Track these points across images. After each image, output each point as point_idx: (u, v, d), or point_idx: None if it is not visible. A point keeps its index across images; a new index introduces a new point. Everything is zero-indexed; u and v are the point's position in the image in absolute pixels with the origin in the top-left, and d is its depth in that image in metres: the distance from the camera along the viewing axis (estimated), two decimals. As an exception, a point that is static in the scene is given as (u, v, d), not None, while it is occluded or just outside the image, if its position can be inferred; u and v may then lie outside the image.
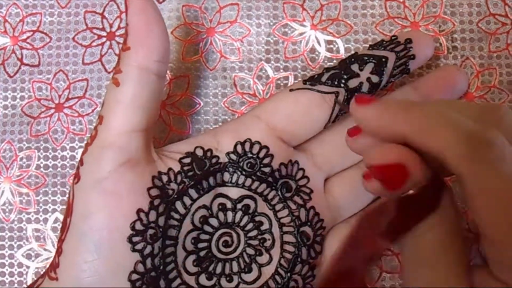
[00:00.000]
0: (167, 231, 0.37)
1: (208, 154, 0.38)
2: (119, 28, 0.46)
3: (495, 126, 0.29)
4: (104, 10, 0.46)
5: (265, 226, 0.39)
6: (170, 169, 0.37)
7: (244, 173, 0.39)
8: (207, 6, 0.46)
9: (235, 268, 0.38)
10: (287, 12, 0.46)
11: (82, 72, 0.46)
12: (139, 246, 0.35)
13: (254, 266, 0.39)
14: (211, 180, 0.38)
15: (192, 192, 0.38)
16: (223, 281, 0.38)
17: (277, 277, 0.38)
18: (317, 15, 0.46)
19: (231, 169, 0.39)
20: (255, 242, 0.39)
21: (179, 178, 0.37)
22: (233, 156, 0.39)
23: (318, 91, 0.39)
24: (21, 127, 0.45)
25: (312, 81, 0.40)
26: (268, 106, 0.40)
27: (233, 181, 0.39)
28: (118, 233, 0.34)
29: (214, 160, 0.38)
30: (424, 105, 0.32)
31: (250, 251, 0.39)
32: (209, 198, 0.38)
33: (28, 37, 0.46)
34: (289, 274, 0.38)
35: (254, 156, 0.39)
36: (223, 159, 0.39)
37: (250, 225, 0.39)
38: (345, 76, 0.39)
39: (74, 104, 0.45)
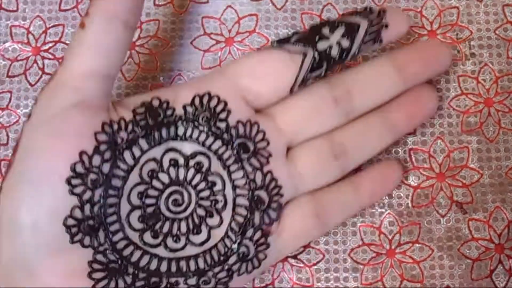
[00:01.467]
0: (111, 180, 0.34)
1: (164, 105, 0.37)
2: (139, 38, 0.46)
3: None
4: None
5: (218, 186, 0.37)
6: (122, 117, 0.35)
7: (198, 127, 0.37)
8: (226, 17, 0.46)
9: (183, 229, 0.36)
10: (305, 22, 0.46)
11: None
12: (78, 190, 0.33)
13: (203, 227, 0.36)
14: (164, 132, 0.36)
15: (143, 143, 0.36)
16: (169, 241, 0.36)
17: (226, 240, 0.37)
18: (334, 25, 0.46)
19: (185, 122, 0.37)
20: (206, 203, 0.37)
21: (130, 126, 0.35)
22: (189, 109, 0.37)
23: (285, 50, 0.38)
24: (40, 133, 0.44)
25: (281, 41, 0.38)
26: (234, 64, 0.39)
27: (187, 135, 0.37)
28: (57, 174, 0.33)
29: (169, 112, 0.37)
30: None
31: (201, 212, 0.37)
32: (160, 152, 0.36)
33: (50, 48, 0.46)
34: (239, 238, 0.37)
35: (211, 110, 0.37)
36: (180, 112, 0.37)
37: (202, 184, 0.37)
38: (314, 38, 0.38)
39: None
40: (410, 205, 0.42)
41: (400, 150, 0.43)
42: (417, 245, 0.41)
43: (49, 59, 0.46)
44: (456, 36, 0.45)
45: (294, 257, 0.42)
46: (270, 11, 0.46)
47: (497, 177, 0.42)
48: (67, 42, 0.46)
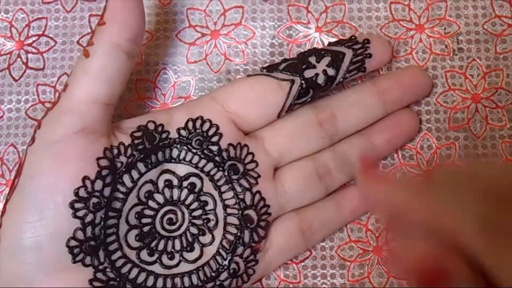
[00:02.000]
0: (111, 203, 0.36)
1: (159, 128, 0.38)
2: (124, 31, 0.45)
3: None
4: (109, 14, 0.45)
5: (210, 206, 0.39)
6: (121, 142, 0.37)
7: (192, 150, 0.38)
8: (211, 9, 0.45)
9: (177, 246, 0.38)
10: (292, 14, 0.45)
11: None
12: (80, 213, 0.34)
13: (196, 245, 0.38)
14: (159, 155, 0.38)
15: (141, 166, 0.37)
16: (164, 258, 0.38)
17: (218, 257, 0.38)
18: (322, 17, 0.45)
19: (179, 145, 0.38)
20: (199, 222, 0.39)
21: (129, 151, 0.37)
22: (183, 132, 0.38)
23: (274, 77, 0.39)
24: (25, 130, 0.44)
25: (270, 68, 0.40)
26: (225, 89, 0.40)
27: (181, 157, 0.38)
28: (61, 197, 0.34)
29: (164, 135, 0.38)
30: (437, 189, 0.30)
31: (194, 230, 0.38)
32: (156, 173, 0.38)
33: (33, 42, 0.45)
34: (230, 256, 0.38)
35: (203, 134, 0.38)
36: (174, 135, 0.38)
37: (195, 204, 0.39)
38: (301, 66, 0.39)
39: (78, 107, 0.44)
40: (396, 202, 0.42)
41: (387, 147, 0.43)
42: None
43: (33, 53, 0.45)
44: (444, 30, 0.44)
45: (282, 254, 0.42)
46: (256, 3, 0.45)
47: (483, 174, 0.42)
48: (51, 35, 0.45)
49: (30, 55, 0.45)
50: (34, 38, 0.45)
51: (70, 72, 0.37)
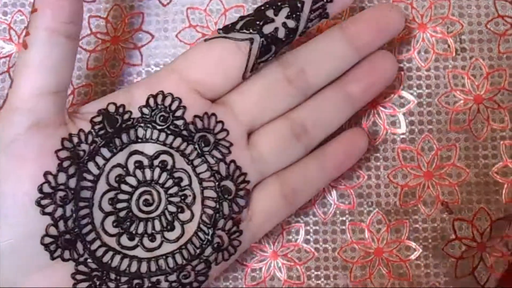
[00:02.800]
0: (80, 193, 0.35)
1: (120, 110, 0.37)
2: (123, 32, 0.44)
3: None
4: (108, 15, 0.44)
5: (185, 182, 0.37)
6: (80, 130, 0.35)
7: (157, 127, 0.37)
8: (212, 9, 0.44)
9: (158, 227, 0.37)
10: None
11: (86, 77, 0.44)
12: (49, 209, 0.34)
13: (176, 223, 0.37)
14: (124, 137, 0.36)
15: (105, 151, 0.36)
16: (145, 241, 0.37)
17: (200, 233, 0.37)
18: (323, 17, 0.44)
19: (143, 124, 0.37)
20: (176, 199, 0.37)
21: (90, 138, 0.36)
22: (146, 110, 0.37)
23: (232, 38, 0.37)
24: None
25: (226, 29, 0.38)
26: (182, 58, 0.38)
27: (147, 136, 0.37)
28: (27, 197, 0.33)
29: (126, 116, 0.36)
30: None
31: (172, 208, 0.37)
32: (124, 156, 0.37)
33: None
34: (212, 230, 0.37)
35: (166, 109, 0.37)
36: (136, 114, 0.37)
37: (169, 182, 0.37)
38: (259, 22, 0.37)
39: (80, 111, 0.44)
40: (398, 203, 0.42)
41: (388, 148, 0.43)
42: (404, 244, 0.42)
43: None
44: (446, 29, 0.43)
45: (285, 255, 0.42)
46: (258, 2, 0.44)
47: (482, 176, 0.42)
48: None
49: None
50: (33, 40, 0.44)
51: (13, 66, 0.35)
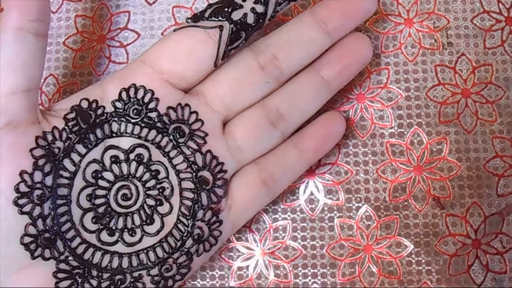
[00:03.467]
0: (57, 191, 0.34)
1: (94, 105, 0.36)
2: (109, 31, 0.44)
3: None
4: (94, 14, 0.44)
5: (162, 174, 0.37)
6: (54, 127, 0.35)
7: (131, 120, 0.36)
8: (197, 7, 0.44)
9: (137, 221, 0.36)
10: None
11: (72, 75, 0.43)
12: (26, 208, 0.33)
13: (156, 217, 0.36)
14: (98, 132, 0.36)
15: (80, 147, 0.35)
16: (125, 236, 0.36)
17: (180, 225, 0.36)
18: (309, 13, 0.43)
19: (117, 118, 0.36)
20: (154, 192, 0.37)
21: (64, 135, 0.35)
22: (119, 104, 0.36)
23: (201, 27, 0.37)
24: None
25: (195, 18, 0.37)
26: (153, 49, 0.38)
27: (122, 130, 0.36)
28: (3, 197, 0.33)
29: (100, 111, 0.36)
30: None
31: (150, 201, 0.37)
32: (99, 152, 0.36)
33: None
34: (191, 222, 0.36)
35: (139, 102, 0.36)
36: (110, 108, 0.36)
37: (146, 175, 0.37)
38: (228, 9, 0.37)
39: (64, 108, 0.43)
40: (387, 199, 0.41)
41: (377, 143, 0.42)
42: (394, 240, 0.40)
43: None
44: (433, 25, 0.43)
45: (272, 253, 0.41)
46: None
47: (474, 169, 0.41)
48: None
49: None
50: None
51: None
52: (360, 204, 0.41)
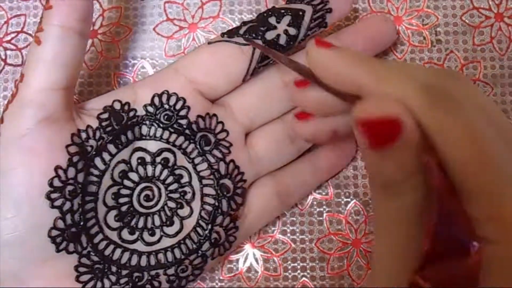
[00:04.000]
0: (86, 187, 0.35)
1: (126, 107, 0.37)
2: (101, 26, 0.44)
3: (453, 86, 0.26)
4: (87, 9, 0.44)
5: (185, 179, 0.38)
6: (88, 126, 0.36)
7: (161, 125, 0.37)
8: (189, 2, 0.44)
9: (157, 222, 0.37)
10: (270, 6, 0.44)
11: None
12: (58, 203, 0.34)
13: (175, 219, 0.38)
14: (129, 134, 0.37)
15: (111, 147, 0.36)
16: (145, 235, 0.37)
17: (198, 229, 0.37)
18: (299, 10, 0.44)
19: (148, 122, 0.37)
20: (175, 195, 0.38)
21: (97, 134, 0.36)
22: (150, 109, 0.37)
23: (235, 42, 0.38)
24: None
25: (230, 33, 0.38)
26: (187, 59, 0.39)
27: (151, 134, 0.37)
28: (36, 190, 0.33)
29: (131, 114, 0.37)
30: (383, 59, 0.29)
31: (171, 204, 0.38)
32: (128, 153, 0.37)
33: (12, 38, 0.44)
34: (210, 226, 0.37)
35: (171, 108, 0.37)
36: (141, 112, 0.37)
37: (170, 179, 0.38)
38: (262, 29, 0.38)
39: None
40: (375, 194, 0.41)
41: (365, 139, 0.42)
42: (382, 234, 0.41)
43: (12, 50, 0.44)
44: (422, 22, 0.43)
45: (262, 247, 0.41)
46: (233, -4, 0.44)
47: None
48: (30, 32, 0.44)
49: (8, 52, 0.44)
50: (13, 35, 0.44)
51: (25, 60, 0.35)
52: (349, 199, 0.42)
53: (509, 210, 0.24)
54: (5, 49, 0.44)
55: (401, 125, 0.24)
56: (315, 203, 0.42)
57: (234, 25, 0.44)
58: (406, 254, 0.26)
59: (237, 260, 0.41)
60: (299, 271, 0.41)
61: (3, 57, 0.44)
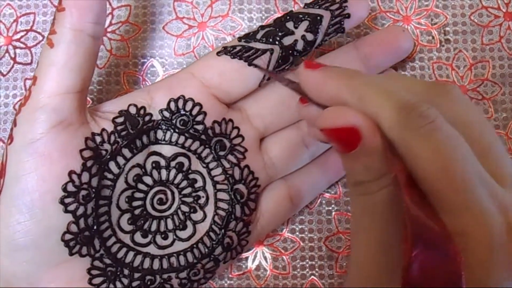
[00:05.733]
0: (100, 192, 0.35)
1: (141, 112, 0.36)
2: (110, 24, 0.43)
3: (439, 103, 0.27)
4: (96, 8, 0.44)
5: (199, 183, 0.37)
6: (103, 129, 0.35)
7: (177, 130, 0.37)
8: (198, 1, 0.44)
9: (170, 226, 0.37)
10: (279, 5, 0.43)
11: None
12: (71, 207, 0.33)
13: (188, 223, 0.37)
14: (144, 138, 0.36)
15: (126, 151, 0.36)
16: (158, 239, 0.37)
17: (211, 233, 0.37)
18: (308, 9, 0.43)
19: (164, 127, 0.37)
20: (189, 200, 0.37)
21: (112, 138, 0.35)
22: (166, 113, 0.37)
23: (252, 47, 0.37)
24: (14, 125, 0.42)
25: (247, 38, 0.37)
26: (202, 63, 0.38)
27: (166, 139, 0.37)
28: (50, 195, 0.33)
29: (147, 118, 0.36)
30: (369, 75, 0.30)
31: (185, 208, 0.37)
32: (142, 157, 0.37)
33: (21, 37, 0.43)
34: (223, 231, 0.37)
35: (187, 114, 0.37)
36: (156, 116, 0.37)
37: (184, 183, 0.37)
38: (279, 34, 0.37)
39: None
40: (384, 193, 0.41)
41: (374, 138, 0.42)
42: (391, 233, 0.41)
43: (21, 48, 0.43)
44: (430, 21, 0.43)
45: (271, 245, 0.41)
46: (244, -6, 0.44)
47: (470, 165, 0.41)
48: (39, 30, 0.44)
49: (18, 50, 0.43)
50: (22, 33, 0.44)
51: (37, 63, 0.34)
52: (357, 198, 0.41)
53: (470, 230, 0.25)
54: (15, 47, 0.43)
55: (359, 133, 0.26)
56: (324, 201, 0.41)
57: (243, 24, 0.43)
58: (381, 249, 0.27)
59: (246, 259, 0.41)
60: (307, 270, 0.41)
61: (13, 56, 0.43)
